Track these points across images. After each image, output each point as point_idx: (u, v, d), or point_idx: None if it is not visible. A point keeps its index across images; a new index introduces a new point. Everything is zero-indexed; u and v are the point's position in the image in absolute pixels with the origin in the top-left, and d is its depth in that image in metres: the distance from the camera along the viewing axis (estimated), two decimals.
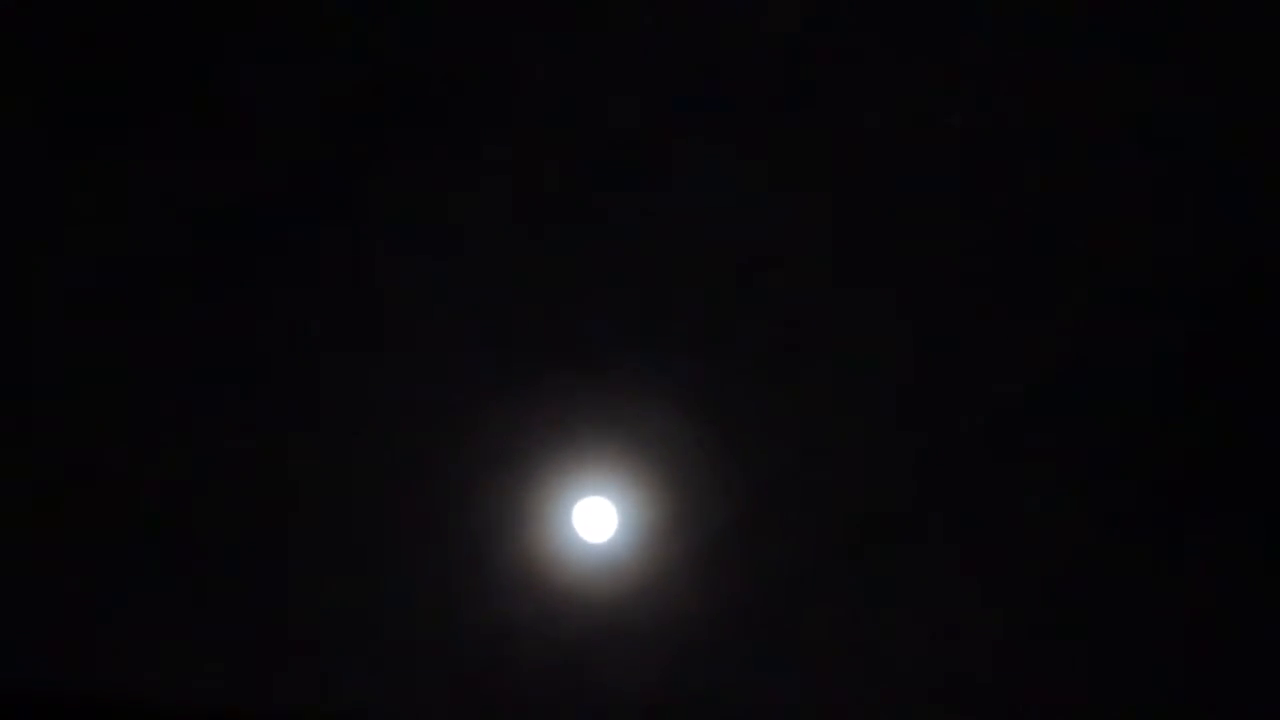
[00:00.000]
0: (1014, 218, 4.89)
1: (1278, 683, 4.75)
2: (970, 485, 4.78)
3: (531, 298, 4.79)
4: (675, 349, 4.80)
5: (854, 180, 4.82)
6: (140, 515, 4.75)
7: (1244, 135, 4.85)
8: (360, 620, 4.73)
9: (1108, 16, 4.89)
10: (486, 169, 4.82)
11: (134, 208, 4.82)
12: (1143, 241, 4.88)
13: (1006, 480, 4.79)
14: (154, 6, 4.84)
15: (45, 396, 4.76)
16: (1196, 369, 4.85)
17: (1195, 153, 4.89)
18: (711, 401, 4.80)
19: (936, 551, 4.79)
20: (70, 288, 4.78)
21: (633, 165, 4.80)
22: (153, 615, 4.71)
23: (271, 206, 4.82)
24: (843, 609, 4.77)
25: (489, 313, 4.77)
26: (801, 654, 4.74)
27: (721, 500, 4.77)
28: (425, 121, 4.84)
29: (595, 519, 4.76)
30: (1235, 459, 4.81)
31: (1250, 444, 4.81)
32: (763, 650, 4.75)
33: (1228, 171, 4.88)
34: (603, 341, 4.79)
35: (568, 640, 4.71)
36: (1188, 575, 4.78)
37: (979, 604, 4.76)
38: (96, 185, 4.82)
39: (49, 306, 4.78)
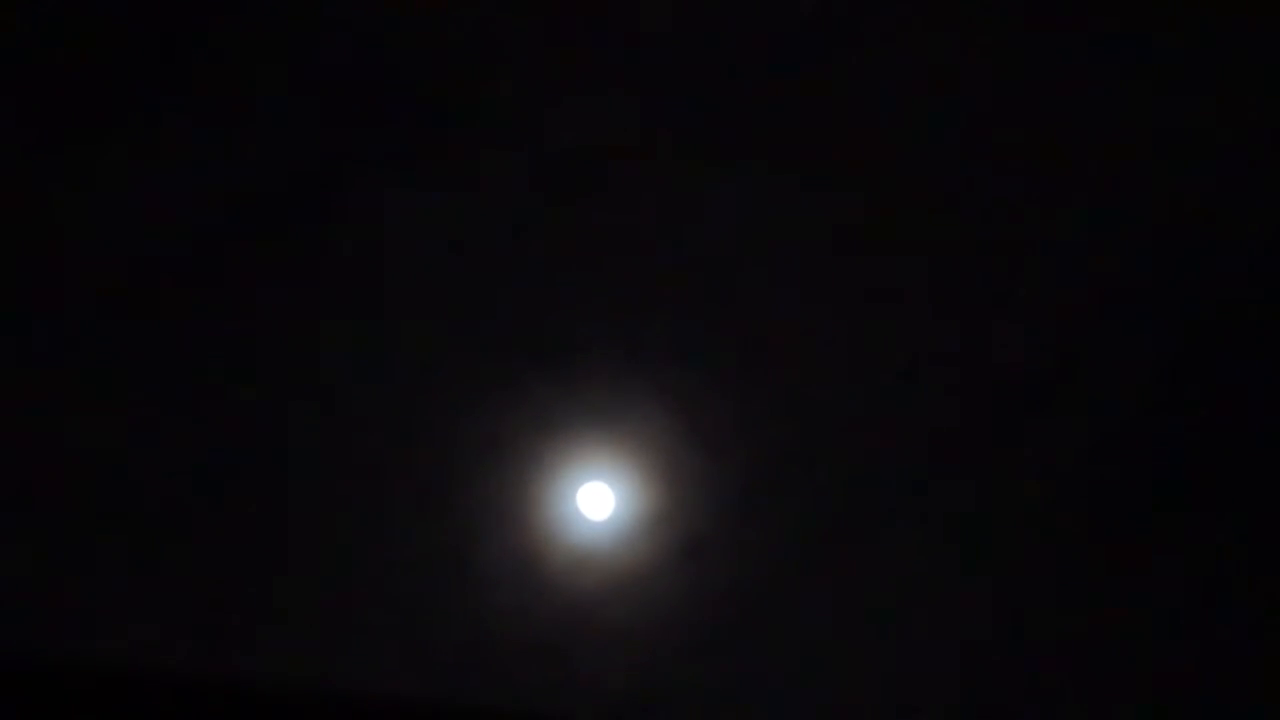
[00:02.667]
0: (998, 213, 4.95)
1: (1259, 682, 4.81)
2: (956, 482, 4.85)
3: (517, 301, 4.85)
4: (659, 349, 4.86)
5: (833, 183, 4.88)
6: (141, 498, 4.80)
7: (1240, 138, 4.92)
8: (351, 599, 4.79)
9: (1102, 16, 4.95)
10: (478, 175, 4.88)
11: (125, 206, 4.86)
12: (1136, 239, 4.94)
13: (991, 477, 4.85)
14: (140, 6, 4.89)
15: (43, 379, 4.81)
16: (1185, 370, 4.91)
17: (1190, 151, 4.95)
18: (696, 399, 4.86)
19: (924, 550, 4.86)
20: (70, 283, 4.83)
21: (618, 172, 4.87)
22: (145, 585, 4.76)
23: (265, 207, 4.87)
24: (827, 605, 4.83)
25: (479, 314, 4.84)
26: (785, 649, 4.80)
27: (705, 496, 4.83)
28: (416, 126, 4.89)
29: (584, 507, 4.83)
30: (1226, 461, 4.87)
31: (1240, 446, 4.87)
32: (747, 644, 4.81)
33: (1225, 170, 4.95)
34: (588, 340, 4.85)
35: (553, 625, 4.77)
36: (1173, 581, 4.84)
37: (968, 603, 4.82)
38: (90, 182, 4.87)
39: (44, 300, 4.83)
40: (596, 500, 4.84)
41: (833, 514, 4.84)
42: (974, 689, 4.78)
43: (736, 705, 4.76)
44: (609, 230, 4.88)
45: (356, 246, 4.86)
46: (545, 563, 4.80)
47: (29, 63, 4.88)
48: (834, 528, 4.84)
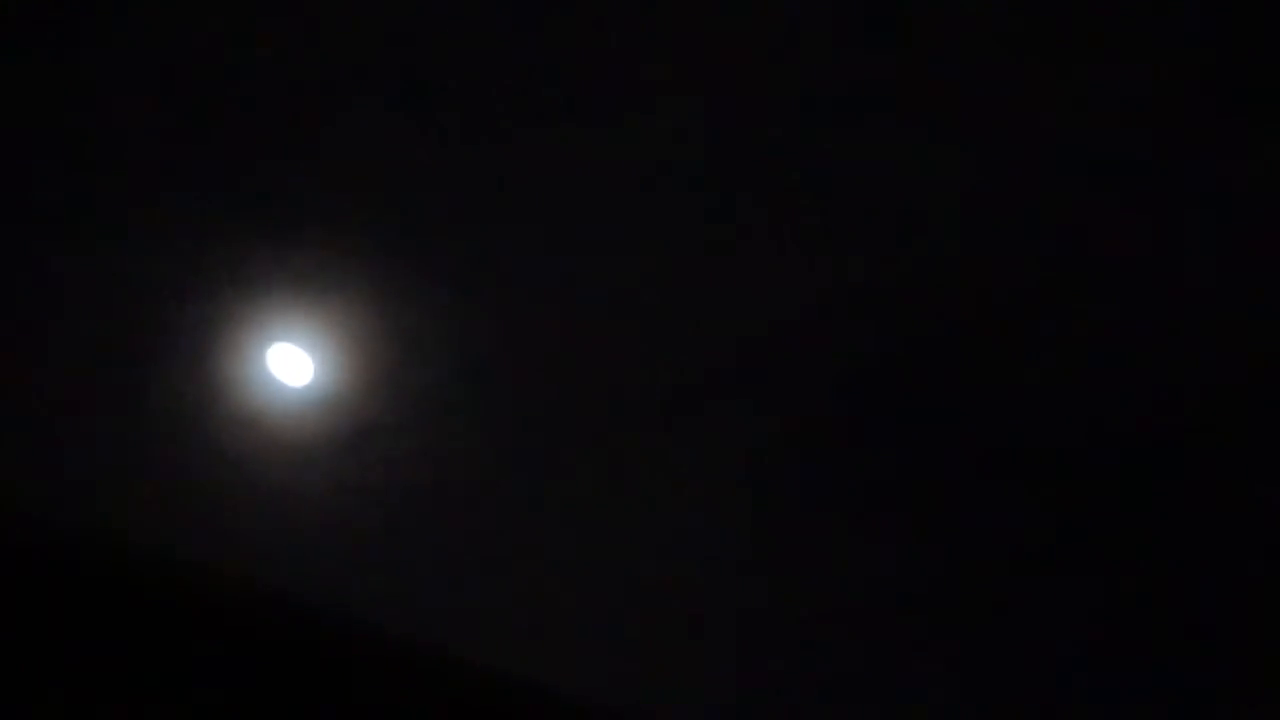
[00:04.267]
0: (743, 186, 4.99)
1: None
2: (637, 435, 4.84)
3: (231, 148, 4.82)
4: (378, 236, 4.85)
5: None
6: None
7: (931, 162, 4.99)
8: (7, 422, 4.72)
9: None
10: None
11: None
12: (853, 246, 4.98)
13: (671, 437, 4.86)
14: None
15: None
16: (885, 374, 4.95)
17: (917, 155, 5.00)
18: (406, 294, 4.84)
19: (595, 486, 4.84)
20: None
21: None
22: None
23: None
24: (490, 514, 4.80)
25: (189, 156, 4.81)
26: (433, 548, 4.77)
27: (396, 387, 4.80)
28: None
29: (273, 368, 4.78)
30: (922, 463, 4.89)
31: (936, 452, 4.90)
32: (398, 533, 4.77)
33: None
34: (305, 206, 4.83)
35: (212, 476, 4.71)
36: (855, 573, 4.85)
37: (614, 535, 4.81)
38: None
39: None
40: (287, 364, 4.79)
41: (514, 431, 4.83)
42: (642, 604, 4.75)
43: (371, 586, 4.71)
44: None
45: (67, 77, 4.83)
46: (217, 414, 4.74)
47: None
48: (512, 445, 4.82)
